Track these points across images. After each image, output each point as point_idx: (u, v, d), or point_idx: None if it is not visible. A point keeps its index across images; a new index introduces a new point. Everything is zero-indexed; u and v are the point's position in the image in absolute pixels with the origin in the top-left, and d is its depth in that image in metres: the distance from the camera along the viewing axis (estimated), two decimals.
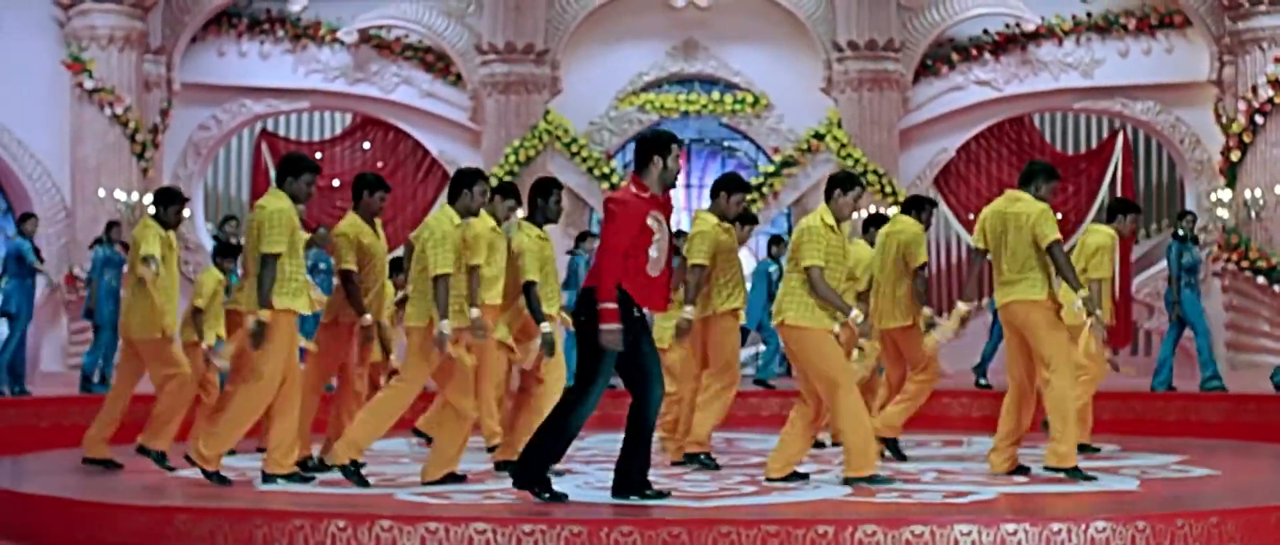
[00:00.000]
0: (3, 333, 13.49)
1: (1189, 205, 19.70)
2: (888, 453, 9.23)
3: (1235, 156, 18.18)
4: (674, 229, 7.68)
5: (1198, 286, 13.45)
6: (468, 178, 8.14)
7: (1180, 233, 13.58)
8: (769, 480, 7.97)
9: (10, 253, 13.43)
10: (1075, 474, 8.01)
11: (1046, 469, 8.11)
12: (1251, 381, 14.85)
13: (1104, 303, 9.54)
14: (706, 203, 9.15)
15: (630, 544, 6.20)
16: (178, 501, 7.08)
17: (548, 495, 7.05)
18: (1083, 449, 9.46)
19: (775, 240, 16.02)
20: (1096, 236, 9.73)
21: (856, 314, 7.99)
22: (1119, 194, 20.73)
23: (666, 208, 7.22)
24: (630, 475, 7.15)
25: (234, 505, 6.96)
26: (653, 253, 7.06)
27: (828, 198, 8.10)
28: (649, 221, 7.06)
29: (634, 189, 7.14)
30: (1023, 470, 8.30)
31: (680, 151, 7.28)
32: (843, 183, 8.12)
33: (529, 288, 8.27)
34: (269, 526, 6.53)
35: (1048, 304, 8.13)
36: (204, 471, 7.85)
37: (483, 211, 8.60)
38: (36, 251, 13.39)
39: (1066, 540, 6.32)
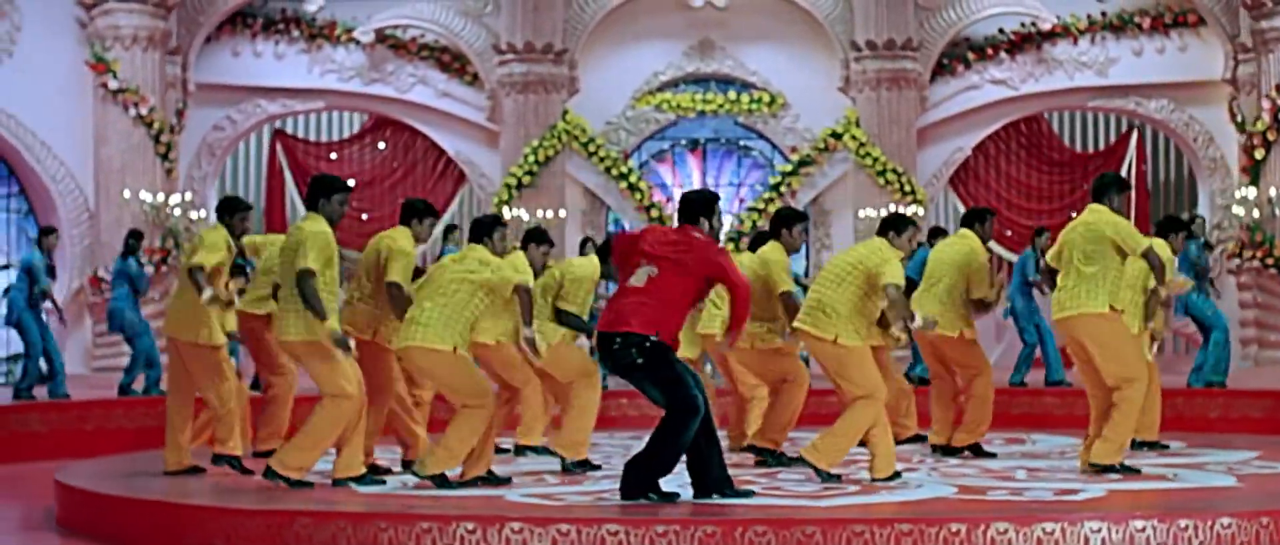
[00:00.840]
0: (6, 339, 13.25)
1: (1202, 203, 19.89)
2: (968, 453, 9.32)
3: (1259, 155, 18.30)
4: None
5: (1207, 289, 13.44)
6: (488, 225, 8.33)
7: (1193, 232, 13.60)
8: (875, 481, 7.99)
9: (23, 265, 13.09)
10: (1124, 469, 8.11)
11: (1090, 465, 8.17)
12: (1276, 378, 14.94)
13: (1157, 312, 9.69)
14: (722, 202, 9.22)
15: (764, 543, 6.20)
16: (298, 505, 7.02)
17: (656, 496, 7.06)
18: (1152, 446, 9.58)
19: None
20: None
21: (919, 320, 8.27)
22: (1132, 193, 20.92)
23: None
24: (708, 475, 7.18)
25: (357, 509, 6.93)
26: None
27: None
28: None
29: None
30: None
31: (721, 210, 7.51)
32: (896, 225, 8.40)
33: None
34: (395, 529, 6.50)
35: (1112, 315, 8.20)
36: (287, 480, 7.77)
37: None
38: (51, 268, 13.08)
39: (1193, 536, 6.35)
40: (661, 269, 7.10)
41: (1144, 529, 6.35)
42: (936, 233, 12.33)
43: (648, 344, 7.00)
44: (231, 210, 9.16)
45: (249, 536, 6.80)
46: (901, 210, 18.87)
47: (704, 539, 6.21)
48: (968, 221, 9.77)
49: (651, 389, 7.14)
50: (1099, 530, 6.31)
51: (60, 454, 10.99)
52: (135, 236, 13.73)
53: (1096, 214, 8.23)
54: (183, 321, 8.69)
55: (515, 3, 19.59)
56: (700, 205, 7.33)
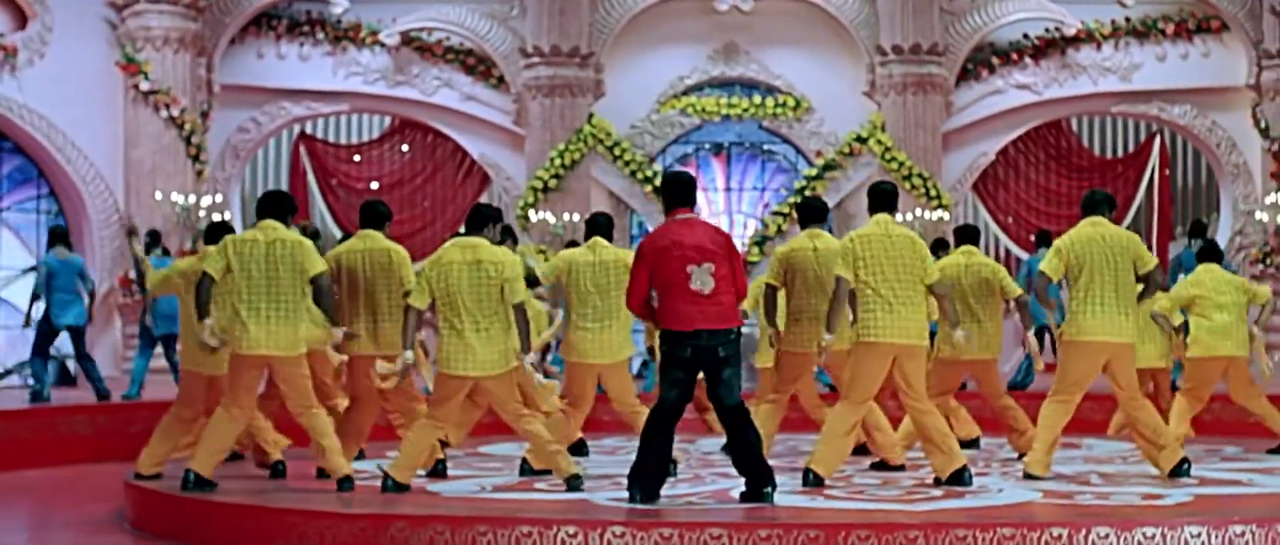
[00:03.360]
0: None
1: (1224, 209, 19.94)
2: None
3: None
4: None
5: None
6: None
7: (1194, 242, 13.71)
8: (939, 482, 8.01)
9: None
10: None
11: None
12: None
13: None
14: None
15: None
16: (398, 509, 7.00)
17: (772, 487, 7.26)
18: None
19: None
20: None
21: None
22: (1156, 198, 20.98)
23: None
24: (754, 477, 7.22)
25: (455, 513, 6.91)
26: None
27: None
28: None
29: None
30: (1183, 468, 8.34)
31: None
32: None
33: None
34: (494, 533, 6.49)
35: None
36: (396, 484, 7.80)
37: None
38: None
39: None
40: (717, 264, 7.16)
41: (1243, 534, 6.37)
42: (941, 246, 12.20)
43: (734, 335, 7.22)
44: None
45: (342, 539, 6.78)
46: (926, 215, 19.12)
47: (807, 542, 6.22)
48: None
49: (735, 378, 7.20)
50: (1199, 535, 6.33)
51: (106, 456, 10.99)
52: (153, 236, 13.72)
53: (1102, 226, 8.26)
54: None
55: (541, 6, 19.59)
56: (692, 187, 7.40)
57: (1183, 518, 6.58)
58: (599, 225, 9.06)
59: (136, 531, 8.03)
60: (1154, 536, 6.32)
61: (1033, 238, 19.93)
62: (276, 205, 8.03)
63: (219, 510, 7.50)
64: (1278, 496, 7.62)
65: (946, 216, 19.32)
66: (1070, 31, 20.09)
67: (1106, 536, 6.29)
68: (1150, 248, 20.50)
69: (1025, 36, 20.28)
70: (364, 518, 6.86)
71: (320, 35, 19.87)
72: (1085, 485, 8.08)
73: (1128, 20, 20.06)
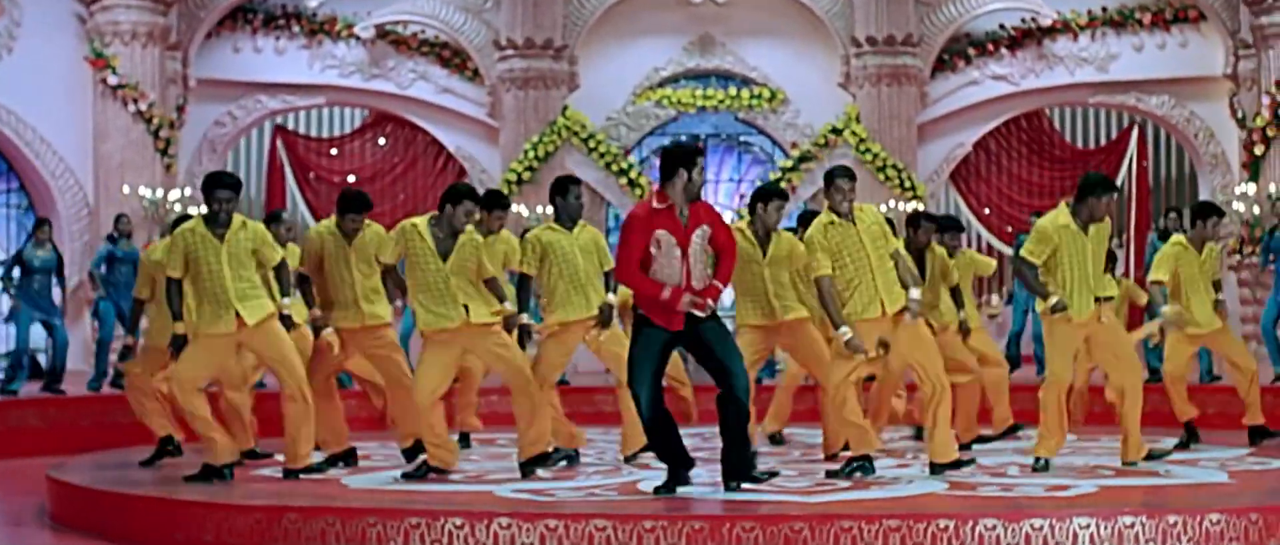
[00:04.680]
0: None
1: (1203, 199, 19.81)
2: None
3: (1259, 150, 18.28)
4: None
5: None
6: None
7: (1160, 230, 13.67)
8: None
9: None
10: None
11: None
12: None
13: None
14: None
15: (752, 538, 6.19)
16: (288, 501, 7.03)
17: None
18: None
19: None
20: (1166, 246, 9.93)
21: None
22: (1134, 188, 20.90)
23: (701, 217, 7.17)
24: (735, 463, 7.17)
25: (346, 504, 6.93)
26: (656, 271, 7.08)
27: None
28: (657, 234, 7.06)
29: (654, 202, 7.14)
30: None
31: (703, 164, 7.27)
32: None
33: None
34: (383, 525, 6.51)
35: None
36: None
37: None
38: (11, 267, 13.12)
39: (1182, 532, 6.35)
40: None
41: (1132, 525, 6.35)
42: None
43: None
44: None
45: (239, 531, 6.81)
46: (901, 206, 19.06)
47: (691, 535, 6.22)
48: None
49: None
50: (1088, 526, 6.32)
51: (59, 450, 11.00)
52: (123, 218, 13.85)
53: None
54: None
55: None
56: (671, 158, 7.18)
57: (1073, 509, 6.56)
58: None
59: (56, 525, 8.07)
60: (1042, 528, 6.31)
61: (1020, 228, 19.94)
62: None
63: (129, 503, 7.55)
64: (1184, 488, 7.58)
65: (922, 208, 19.23)
66: (1047, 22, 20.00)
67: (993, 528, 6.29)
68: (1129, 238, 20.60)
69: (1001, 27, 20.19)
70: (259, 509, 6.89)
71: (296, 29, 19.88)
72: (1001, 476, 8.06)
73: (1104, 10, 19.97)
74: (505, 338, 8.11)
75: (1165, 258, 9.72)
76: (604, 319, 8.53)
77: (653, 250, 7.05)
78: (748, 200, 9.12)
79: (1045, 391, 8.24)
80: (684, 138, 20.84)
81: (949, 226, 10.16)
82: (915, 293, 7.95)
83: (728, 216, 20.44)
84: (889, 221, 8.22)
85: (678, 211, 7.09)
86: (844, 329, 7.78)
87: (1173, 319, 9.50)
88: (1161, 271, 9.68)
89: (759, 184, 9.45)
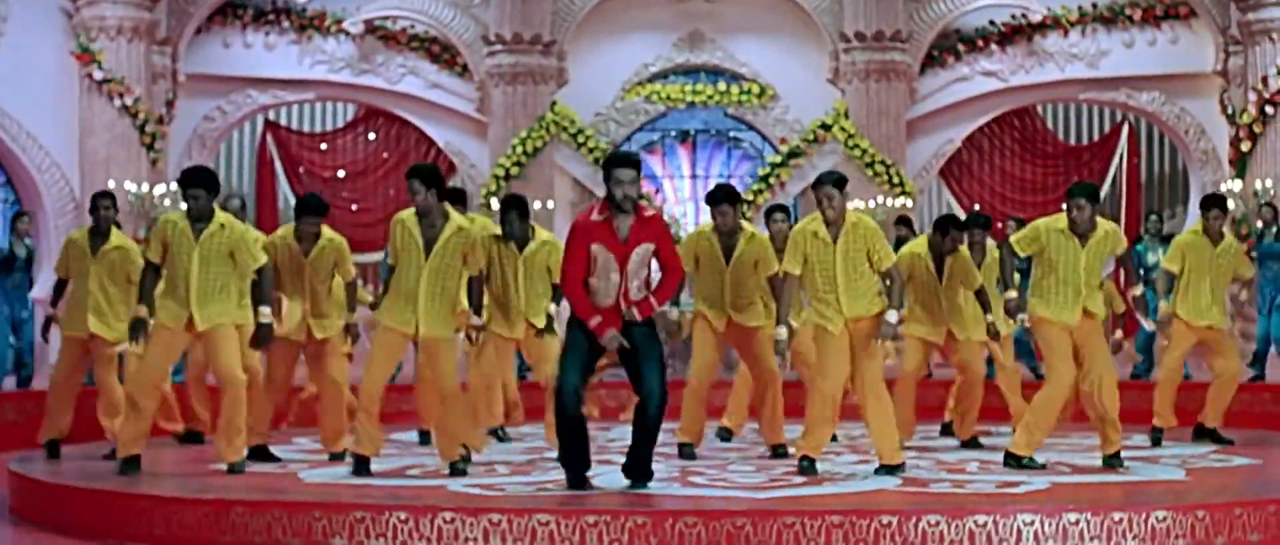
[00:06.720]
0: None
1: (1193, 195, 19.79)
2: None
3: (1245, 147, 18.23)
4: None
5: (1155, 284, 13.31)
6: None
7: (1146, 232, 13.68)
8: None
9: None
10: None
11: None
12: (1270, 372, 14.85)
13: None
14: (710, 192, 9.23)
15: (694, 534, 6.19)
16: (235, 495, 7.04)
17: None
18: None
19: None
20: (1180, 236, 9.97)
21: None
22: (1124, 185, 20.85)
23: (645, 234, 7.08)
24: (631, 463, 7.25)
25: (293, 498, 6.94)
26: (593, 282, 7.07)
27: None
28: (592, 249, 7.03)
29: (595, 213, 7.13)
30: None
31: (637, 175, 7.12)
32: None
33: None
34: (328, 519, 6.52)
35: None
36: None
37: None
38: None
39: (1127, 529, 6.33)
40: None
41: (1077, 522, 6.34)
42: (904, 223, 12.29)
43: None
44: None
45: (187, 524, 6.82)
46: (889, 202, 19.04)
47: (634, 530, 6.22)
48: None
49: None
50: (1032, 523, 6.31)
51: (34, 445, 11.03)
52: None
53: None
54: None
55: None
56: (603, 168, 7.23)
57: (1017, 506, 6.55)
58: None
59: (15, 518, 8.08)
60: (986, 524, 6.30)
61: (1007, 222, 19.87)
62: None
63: (78, 496, 7.55)
64: (1135, 484, 7.57)
65: (910, 204, 19.24)
66: (1037, 18, 19.96)
67: (937, 524, 6.27)
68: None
69: (991, 23, 20.16)
70: (207, 503, 6.90)
71: (286, 24, 19.89)
72: (958, 472, 8.05)
73: (1095, 6, 19.93)
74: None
75: (1178, 247, 9.71)
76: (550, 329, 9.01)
77: (592, 261, 7.06)
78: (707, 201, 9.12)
79: (1048, 391, 8.18)
80: (673, 133, 20.84)
81: (974, 224, 9.82)
82: (893, 315, 7.90)
83: None
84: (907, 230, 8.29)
85: (614, 224, 7.06)
86: (781, 328, 7.84)
87: (1162, 319, 9.57)
88: (1174, 261, 9.69)
89: (716, 185, 9.39)
